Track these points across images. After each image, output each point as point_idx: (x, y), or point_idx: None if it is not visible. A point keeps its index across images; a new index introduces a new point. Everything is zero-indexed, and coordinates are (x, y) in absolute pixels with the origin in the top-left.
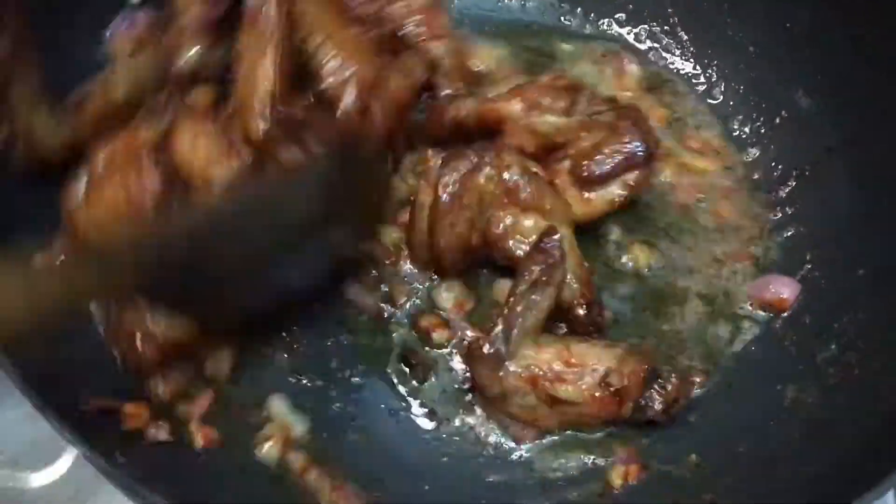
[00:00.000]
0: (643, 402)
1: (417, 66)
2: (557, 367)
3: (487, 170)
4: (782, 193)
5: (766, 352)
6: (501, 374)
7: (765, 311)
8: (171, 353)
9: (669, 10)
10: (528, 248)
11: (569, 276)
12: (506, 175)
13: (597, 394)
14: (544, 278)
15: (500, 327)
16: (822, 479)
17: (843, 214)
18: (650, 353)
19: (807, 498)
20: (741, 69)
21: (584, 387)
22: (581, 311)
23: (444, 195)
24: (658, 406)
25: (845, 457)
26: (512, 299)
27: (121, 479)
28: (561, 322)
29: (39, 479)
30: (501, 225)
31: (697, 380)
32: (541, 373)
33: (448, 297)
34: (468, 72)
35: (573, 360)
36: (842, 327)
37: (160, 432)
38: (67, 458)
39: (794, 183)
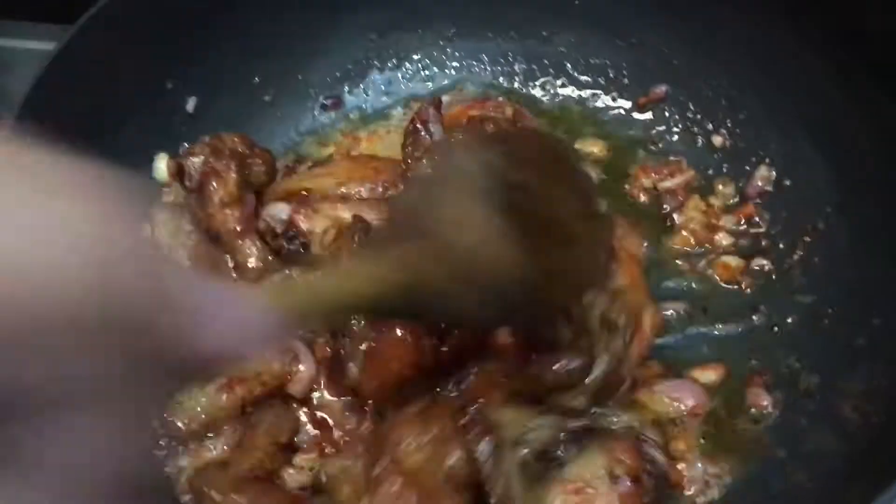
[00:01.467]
0: (649, 465)
1: None
2: (572, 502)
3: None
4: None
5: None
6: None
7: None
8: None
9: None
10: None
11: None
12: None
13: (619, 494)
14: (497, 442)
15: None
16: None
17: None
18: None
19: None
20: None
21: (607, 500)
22: None
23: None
24: (659, 456)
25: None
26: (488, 487)
27: None
28: None
29: None
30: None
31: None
32: None
33: None
34: None
35: (578, 485)
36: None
37: None
38: None
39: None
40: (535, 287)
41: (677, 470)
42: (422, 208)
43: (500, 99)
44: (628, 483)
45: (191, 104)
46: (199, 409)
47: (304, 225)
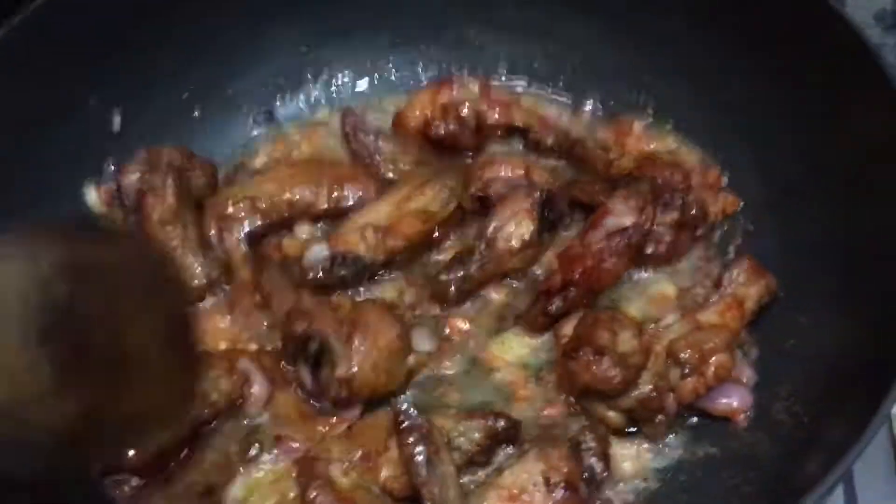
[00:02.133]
0: (586, 473)
1: None
2: None
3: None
4: None
5: None
6: None
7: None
8: None
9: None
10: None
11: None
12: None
13: (554, 501)
14: (432, 450)
15: None
16: None
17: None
18: (552, 437)
19: None
20: None
21: None
22: None
23: None
24: (598, 465)
25: None
26: (423, 490)
27: None
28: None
29: None
30: None
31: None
32: None
33: None
34: None
35: (514, 491)
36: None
37: None
38: None
39: None
40: (80, 428)
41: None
42: None
43: (464, 76)
44: (564, 491)
45: (116, 121)
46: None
47: (341, 247)
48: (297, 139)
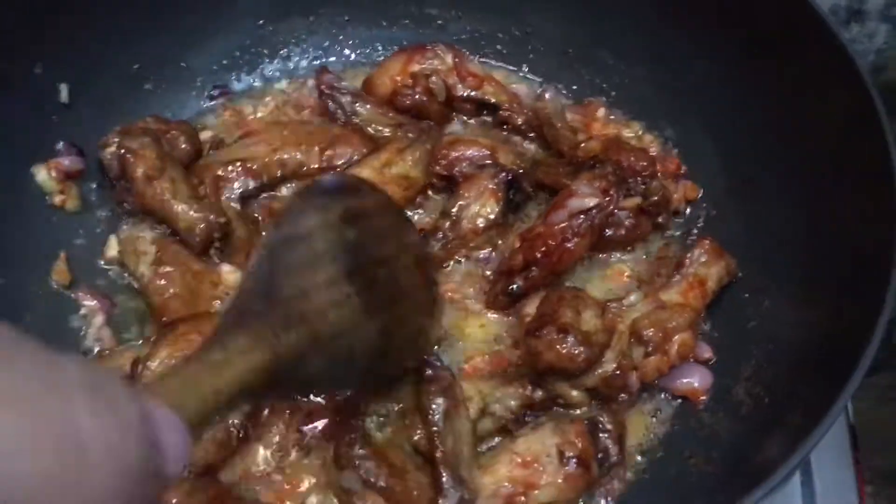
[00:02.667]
0: (601, 454)
1: None
2: (518, 474)
3: None
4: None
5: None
6: None
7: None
8: None
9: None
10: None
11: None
12: None
13: (565, 475)
14: (451, 403)
15: (444, 475)
16: None
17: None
18: (570, 413)
19: None
20: None
21: (552, 478)
22: None
23: None
24: (613, 448)
25: None
26: (437, 440)
27: None
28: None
29: None
30: None
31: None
32: (510, 490)
33: None
34: None
35: (527, 459)
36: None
37: None
38: None
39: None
40: (382, 349)
41: None
42: (273, 276)
43: (439, 45)
44: (576, 466)
45: (64, 92)
46: None
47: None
48: (245, 108)
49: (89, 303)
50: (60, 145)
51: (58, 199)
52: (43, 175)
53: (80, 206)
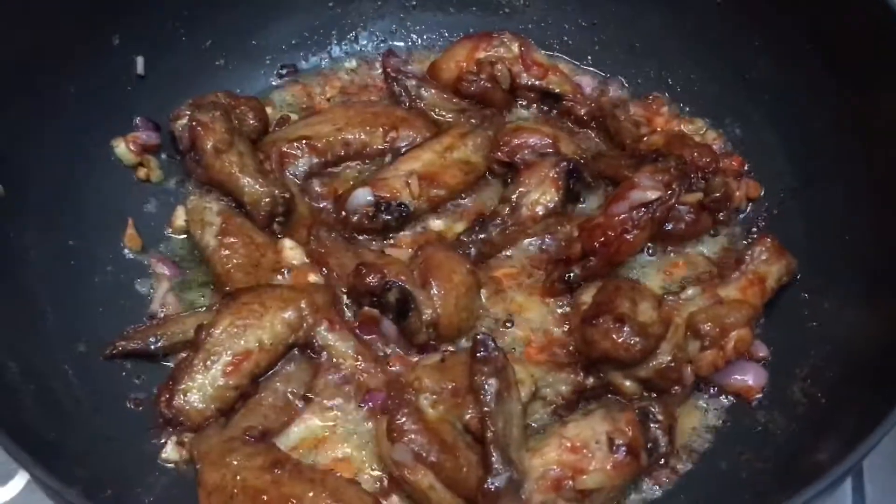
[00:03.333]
0: (650, 444)
1: None
2: (567, 458)
3: None
4: None
5: None
6: (524, 497)
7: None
8: None
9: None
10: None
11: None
12: None
13: (613, 462)
14: (503, 385)
15: (494, 455)
16: None
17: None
18: (621, 401)
19: None
20: None
21: (601, 465)
22: None
23: None
24: (663, 439)
25: None
26: (488, 420)
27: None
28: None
29: None
30: None
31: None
32: (558, 474)
33: None
34: None
35: (577, 444)
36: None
37: None
38: (20, 480)
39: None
40: None
41: None
42: None
43: (505, 33)
44: (625, 454)
45: (139, 64)
46: (207, 398)
47: (386, 193)
48: (314, 87)
49: (158, 269)
50: (137, 120)
51: (141, 173)
52: (122, 148)
53: (163, 177)
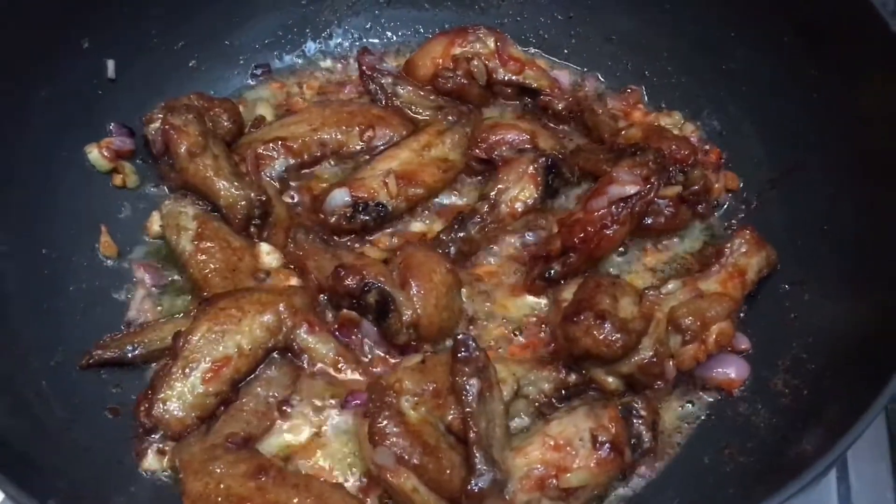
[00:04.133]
0: (634, 440)
1: None
2: (550, 457)
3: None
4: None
5: None
6: (508, 496)
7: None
8: None
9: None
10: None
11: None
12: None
13: (597, 459)
14: (485, 385)
15: (477, 455)
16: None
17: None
18: (603, 397)
19: None
20: None
21: (584, 462)
22: None
23: None
24: (647, 434)
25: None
26: (470, 421)
27: None
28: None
29: None
30: None
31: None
32: (542, 473)
33: None
34: None
35: (560, 442)
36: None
37: None
38: None
39: None
40: None
41: None
42: None
43: (481, 28)
44: (609, 451)
45: (110, 68)
46: (187, 406)
47: (363, 193)
48: (291, 86)
49: (139, 275)
50: (111, 126)
51: (117, 180)
52: (95, 154)
53: (138, 182)
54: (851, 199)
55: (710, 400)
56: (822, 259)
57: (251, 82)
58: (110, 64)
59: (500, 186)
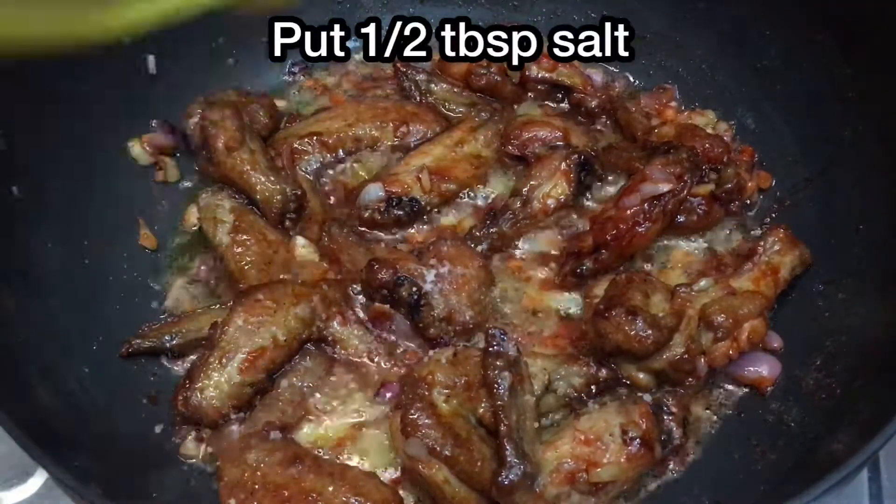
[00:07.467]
0: (664, 436)
1: None
2: (580, 451)
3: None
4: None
5: None
6: (538, 489)
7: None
8: None
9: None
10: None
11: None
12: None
13: (627, 455)
14: (516, 378)
15: (508, 448)
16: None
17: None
18: (634, 393)
19: None
20: None
21: (615, 457)
22: None
23: None
24: (677, 431)
25: None
26: (501, 414)
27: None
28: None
29: (10, 497)
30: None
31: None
32: (572, 467)
33: None
34: None
35: (590, 437)
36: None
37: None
38: (39, 478)
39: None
40: None
41: None
42: None
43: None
44: (639, 447)
45: (151, 63)
46: (223, 395)
47: (397, 188)
48: (327, 80)
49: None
50: (154, 122)
51: (159, 176)
52: (137, 149)
53: (179, 176)
54: (886, 199)
55: (741, 397)
56: (856, 258)
57: (287, 78)
58: (151, 59)
59: (532, 183)
